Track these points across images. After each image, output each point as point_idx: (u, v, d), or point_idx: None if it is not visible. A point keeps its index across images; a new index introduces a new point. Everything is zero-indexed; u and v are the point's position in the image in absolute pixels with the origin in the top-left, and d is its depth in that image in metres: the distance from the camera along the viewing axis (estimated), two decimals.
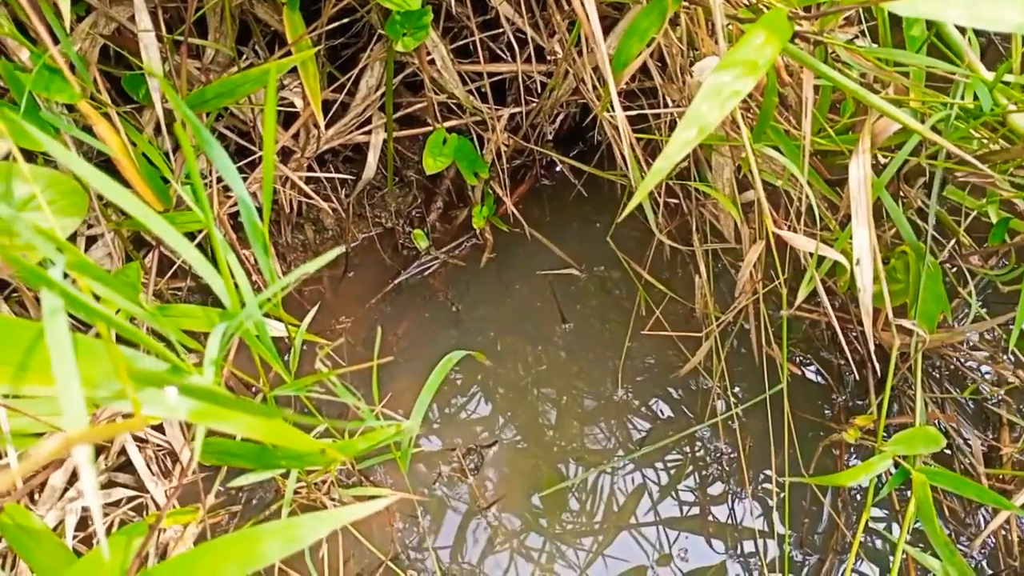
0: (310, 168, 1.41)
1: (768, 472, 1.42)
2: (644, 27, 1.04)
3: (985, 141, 1.08)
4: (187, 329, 1.06)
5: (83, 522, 1.21)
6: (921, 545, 1.35)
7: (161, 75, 1.08)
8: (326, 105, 1.35)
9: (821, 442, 1.40)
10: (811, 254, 1.03)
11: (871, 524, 1.40)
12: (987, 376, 1.45)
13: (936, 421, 1.38)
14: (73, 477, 1.18)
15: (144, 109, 1.22)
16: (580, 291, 1.60)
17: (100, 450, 1.24)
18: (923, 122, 1.06)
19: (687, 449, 1.47)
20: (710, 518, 1.42)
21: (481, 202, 1.53)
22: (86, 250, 1.23)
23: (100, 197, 1.16)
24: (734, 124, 1.14)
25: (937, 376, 1.45)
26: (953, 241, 1.24)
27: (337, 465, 1.14)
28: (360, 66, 1.31)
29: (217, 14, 1.18)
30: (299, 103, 1.28)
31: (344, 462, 1.25)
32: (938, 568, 1.01)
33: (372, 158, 1.41)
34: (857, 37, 1.27)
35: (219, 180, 1.24)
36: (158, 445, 1.26)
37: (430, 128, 1.42)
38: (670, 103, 1.30)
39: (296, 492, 1.19)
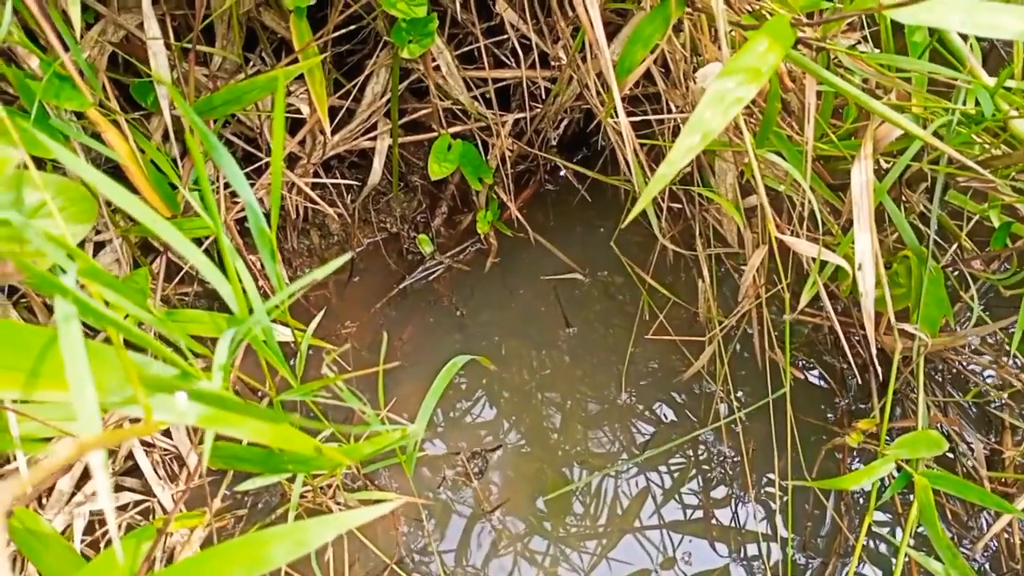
0: (316, 174, 1.42)
1: (771, 476, 1.43)
2: (648, 34, 1.05)
3: (987, 146, 1.08)
4: (194, 334, 1.07)
5: (90, 526, 1.22)
6: (924, 549, 1.35)
7: (170, 83, 1.09)
8: (332, 111, 1.36)
9: (824, 446, 1.40)
10: (813, 259, 1.04)
11: (874, 528, 1.40)
12: (989, 380, 1.45)
13: (939, 424, 1.39)
14: (80, 482, 1.19)
15: (152, 116, 1.23)
16: (584, 296, 1.61)
17: (108, 454, 1.24)
18: (925, 127, 1.07)
19: (690, 453, 1.47)
20: (714, 521, 1.42)
21: (485, 207, 1.54)
22: (94, 255, 1.24)
23: (108, 203, 1.17)
24: (737, 129, 1.15)
25: (940, 380, 1.46)
26: (955, 245, 1.25)
27: (343, 469, 1.14)
28: (366, 73, 1.32)
29: (224, 22, 1.19)
30: (305, 110, 1.29)
31: (349, 466, 1.26)
32: (940, 571, 1.02)
33: (377, 164, 1.42)
34: (860, 42, 1.28)
35: (226, 186, 1.25)
36: (165, 449, 1.27)
37: (435, 134, 1.42)
38: (673, 108, 1.31)
39: (302, 496, 1.20)
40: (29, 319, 1.20)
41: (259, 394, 1.39)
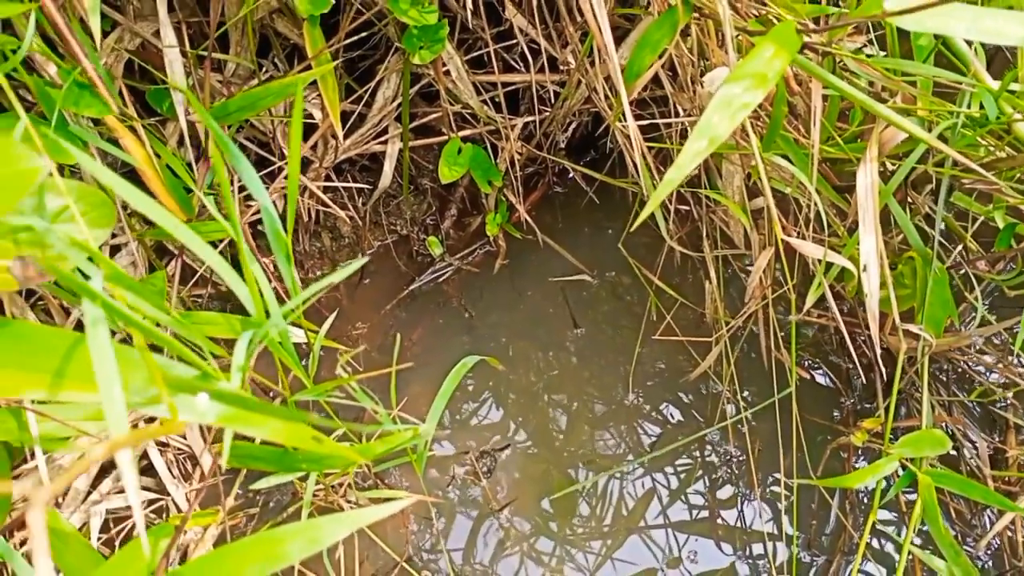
0: (328, 178, 1.43)
1: (777, 475, 1.44)
2: (656, 39, 1.06)
3: (992, 149, 1.10)
4: (209, 335, 1.09)
5: (105, 524, 1.24)
6: (930, 548, 1.36)
7: (187, 90, 1.11)
8: (343, 116, 1.38)
9: (829, 445, 1.42)
10: (819, 260, 1.06)
11: (879, 526, 1.42)
12: (994, 379, 1.46)
13: (943, 424, 1.40)
14: (96, 480, 1.21)
15: (167, 121, 1.25)
16: (592, 297, 1.63)
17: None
18: (930, 130, 1.08)
19: (697, 453, 1.49)
20: (719, 520, 1.43)
21: (495, 210, 1.55)
22: (111, 258, 1.26)
23: (125, 207, 1.19)
24: (744, 133, 1.17)
25: (944, 379, 1.47)
26: (960, 246, 1.26)
27: (354, 468, 1.16)
28: (377, 79, 1.34)
29: (238, 29, 1.21)
30: (318, 114, 1.31)
31: (361, 465, 1.27)
32: (943, 569, 1.03)
33: (388, 167, 1.44)
34: (866, 45, 1.29)
35: (241, 190, 1.27)
36: (178, 449, 1.29)
37: (445, 137, 1.44)
38: (681, 112, 1.32)
39: (313, 494, 1.22)
40: (46, 321, 1.22)
41: (271, 394, 1.41)
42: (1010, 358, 1.43)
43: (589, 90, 1.38)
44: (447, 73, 1.35)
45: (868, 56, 1.15)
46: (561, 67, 1.41)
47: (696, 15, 1.08)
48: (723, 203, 1.25)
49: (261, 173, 1.36)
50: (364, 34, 1.27)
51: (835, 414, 1.50)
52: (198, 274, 1.36)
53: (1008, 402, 1.44)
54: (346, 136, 1.39)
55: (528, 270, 1.64)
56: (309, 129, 1.37)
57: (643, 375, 1.55)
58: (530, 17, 1.32)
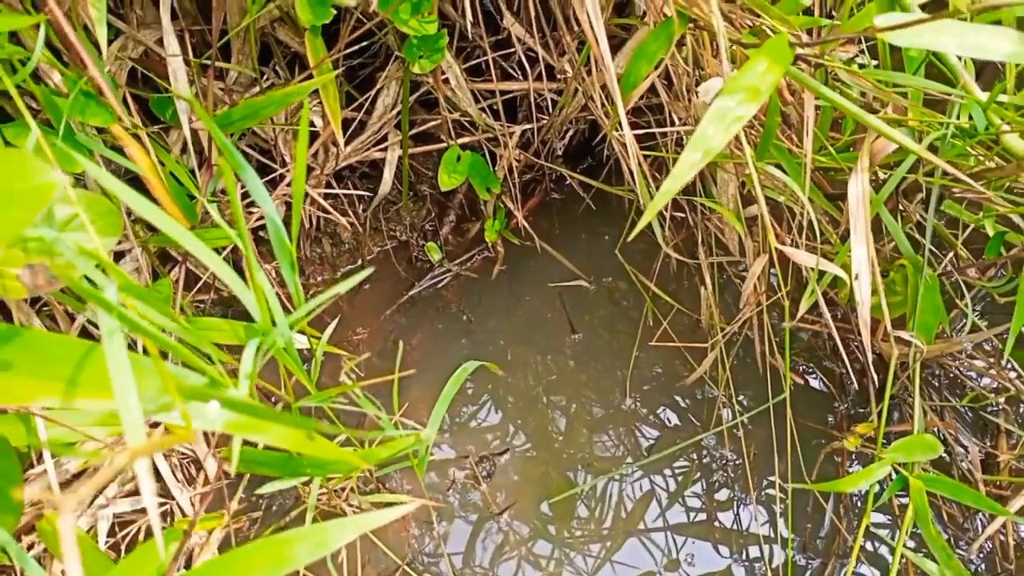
0: (328, 184, 1.45)
1: (773, 478, 1.46)
2: (652, 50, 1.08)
3: (981, 158, 1.12)
4: (214, 341, 1.10)
5: (111, 528, 1.25)
6: (923, 550, 1.38)
7: (192, 99, 1.12)
8: (344, 123, 1.40)
9: (824, 449, 1.44)
10: (812, 269, 1.08)
11: (873, 529, 1.44)
12: (985, 384, 1.48)
13: (935, 428, 1.42)
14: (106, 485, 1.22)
15: (170, 129, 1.26)
16: (589, 302, 1.65)
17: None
18: (920, 140, 1.10)
19: (693, 456, 1.51)
20: (716, 523, 1.45)
21: (493, 216, 1.57)
22: (115, 264, 1.27)
23: (129, 213, 1.20)
24: (738, 142, 1.19)
25: (937, 384, 1.49)
26: (951, 254, 1.28)
27: (357, 473, 1.18)
28: (377, 87, 1.35)
29: (240, 37, 1.23)
30: (319, 122, 1.32)
31: (364, 470, 1.29)
32: (935, 572, 1.05)
33: (388, 174, 1.46)
34: (858, 55, 1.31)
35: (244, 196, 1.29)
36: (182, 453, 1.30)
37: (444, 145, 1.46)
38: (676, 120, 1.34)
39: (316, 498, 1.23)
40: (52, 326, 1.24)
41: (272, 398, 1.42)
42: (1001, 363, 1.45)
43: (586, 98, 1.40)
44: (446, 81, 1.36)
45: (860, 66, 1.17)
46: (558, 76, 1.42)
47: (691, 26, 1.10)
48: (718, 211, 1.27)
49: (264, 180, 1.38)
50: (364, 43, 1.28)
51: (829, 418, 1.52)
52: (202, 280, 1.38)
53: (1000, 407, 1.46)
54: (346, 143, 1.41)
55: (526, 276, 1.66)
56: (310, 136, 1.39)
57: (640, 379, 1.57)
58: (528, 26, 1.34)
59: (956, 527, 1.41)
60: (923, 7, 0.99)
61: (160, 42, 1.17)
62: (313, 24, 1.07)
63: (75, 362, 0.61)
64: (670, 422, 1.54)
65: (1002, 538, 1.35)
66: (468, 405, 1.54)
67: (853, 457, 1.47)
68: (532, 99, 1.46)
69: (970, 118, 1.05)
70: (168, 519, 1.30)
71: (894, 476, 1.11)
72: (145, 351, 0.61)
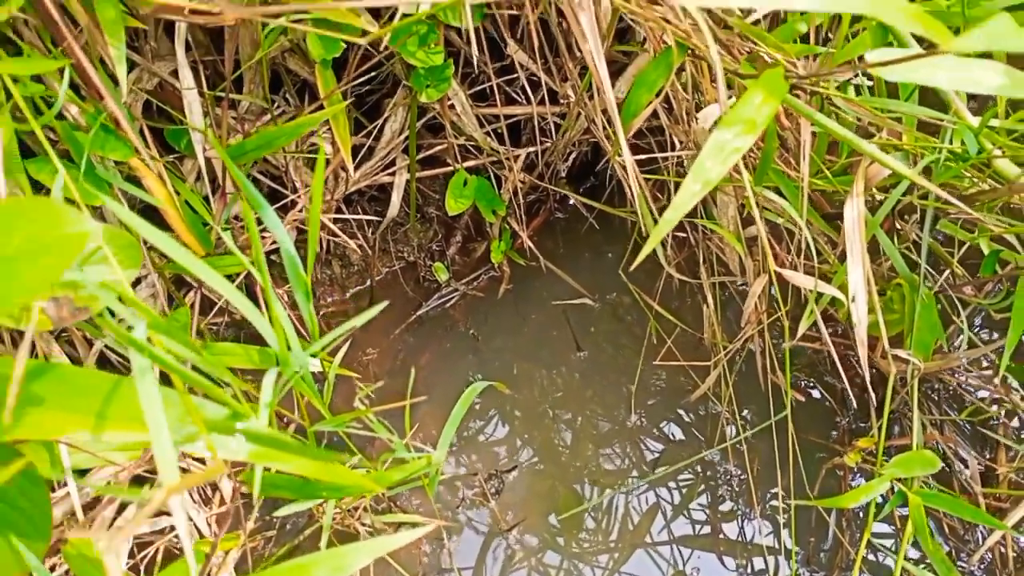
0: (338, 209, 1.48)
1: (776, 491, 1.48)
2: (653, 79, 1.11)
3: (975, 180, 1.15)
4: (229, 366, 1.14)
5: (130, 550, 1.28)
6: (927, 563, 1.40)
7: (207, 131, 1.16)
8: (353, 149, 1.43)
9: (825, 464, 1.46)
10: (811, 290, 1.11)
11: (876, 540, 1.46)
12: (984, 398, 1.51)
13: (935, 442, 1.44)
14: (121, 507, 1.25)
15: (184, 158, 1.30)
16: (594, 320, 1.68)
17: (144, 480, 1.31)
18: (915, 164, 1.13)
19: (698, 470, 1.53)
20: (721, 536, 1.48)
21: (499, 238, 1.60)
22: (132, 289, 1.30)
23: (146, 241, 1.24)
24: (736, 167, 1.22)
25: (936, 398, 1.52)
26: (947, 272, 1.31)
27: (371, 494, 1.21)
28: (384, 116, 1.39)
29: (252, 68, 1.26)
30: (328, 149, 1.36)
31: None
32: None
33: (396, 197, 1.49)
34: (855, 76, 1.34)
35: (257, 222, 1.32)
36: (202, 486, 1.33)
37: (450, 168, 1.49)
38: (676, 143, 1.37)
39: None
40: (70, 352, 1.27)
41: (284, 420, 1.45)
42: (997, 378, 1.47)
43: (588, 122, 1.43)
44: (452, 107, 1.40)
45: (857, 89, 1.20)
46: (561, 100, 1.46)
47: (690, 54, 1.13)
48: (718, 232, 1.30)
49: (275, 206, 1.42)
50: (373, 74, 1.32)
51: (833, 432, 1.55)
52: (217, 306, 1.41)
53: (1000, 420, 1.49)
54: (356, 168, 1.44)
55: (532, 294, 1.69)
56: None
57: (645, 395, 1.60)
58: (531, 52, 1.38)
59: (957, 539, 1.43)
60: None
61: (174, 73, 1.21)
62: (324, 58, 1.10)
63: (103, 396, 0.63)
64: (675, 437, 1.56)
65: (1002, 549, 1.37)
66: (476, 420, 1.57)
67: (856, 470, 1.50)
68: (536, 123, 1.50)
69: (963, 143, 1.08)
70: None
71: (895, 490, 1.14)
72: (167, 380, 0.63)
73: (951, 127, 1.09)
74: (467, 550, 1.44)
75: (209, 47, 1.28)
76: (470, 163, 1.51)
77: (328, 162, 1.34)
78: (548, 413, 1.58)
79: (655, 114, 1.40)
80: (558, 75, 1.42)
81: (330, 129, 1.31)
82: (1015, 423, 1.50)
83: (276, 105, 1.37)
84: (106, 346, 1.30)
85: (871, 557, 1.45)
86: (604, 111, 1.36)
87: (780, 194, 1.16)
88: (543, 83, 1.43)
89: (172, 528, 1.28)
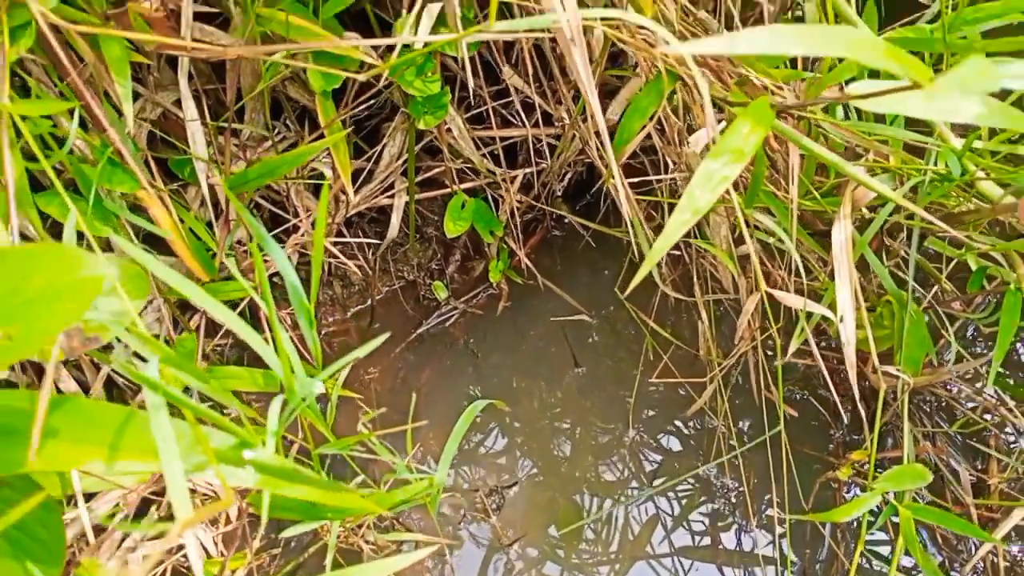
0: (339, 233, 1.51)
1: (772, 505, 1.51)
2: (644, 106, 1.15)
3: (961, 200, 1.18)
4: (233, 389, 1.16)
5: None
6: (922, 572, 1.43)
7: (211, 161, 1.19)
8: (353, 173, 1.46)
9: (819, 478, 1.49)
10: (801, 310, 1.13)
11: (873, 548, 1.49)
12: (975, 408, 1.53)
13: (927, 454, 1.47)
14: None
15: (188, 186, 1.33)
16: (591, 335, 1.70)
17: (150, 503, 1.34)
18: (902, 184, 1.16)
19: (696, 484, 1.56)
20: (720, 548, 1.50)
21: (497, 257, 1.63)
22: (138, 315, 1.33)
23: None
24: (728, 191, 1.24)
25: (928, 409, 1.54)
26: (936, 288, 1.34)
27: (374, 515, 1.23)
28: (383, 143, 1.42)
29: (254, 97, 1.29)
30: (328, 173, 1.39)
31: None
32: None
33: (395, 219, 1.52)
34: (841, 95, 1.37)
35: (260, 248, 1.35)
36: (204, 494, 1.36)
37: (448, 190, 1.52)
38: (670, 163, 1.40)
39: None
40: (78, 377, 1.30)
41: (287, 440, 1.48)
42: (985, 391, 1.50)
43: (583, 143, 1.46)
44: (449, 131, 1.43)
45: (845, 109, 1.24)
46: (556, 122, 1.49)
47: (680, 81, 1.16)
48: (712, 251, 1.33)
49: (277, 230, 1.45)
50: (372, 102, 1.35)
51: (828, 446, 1.57)
52: (223, 329, 1.44)
53: (991, 432, 1.51)
54: (355, 192, 1.47)
55: (530, 311, 1.72)
56: (319, 188, 1.45)
57: (643, 409, 1.62)
58: (525, 77, 1.41)
59: (950, 549, 1.46)
60: None
61: (177, 103, 1.24)
62: (324, 89, 1.13)
63: (116, 428, 0.66)
64: (673, 450, 1.59)
65: (994, 559, 1.39)
66: (476, 436, 1.60)
67: (850, 482, 1.52)
68: (531, 144, 1.53)
69: (947, 164, 1.11)
70: None
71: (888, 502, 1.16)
72: (175, 410, 0.66)
73: (936, 149, 1.12)
74: (469, 565, 1.46)
75: (211, 76, 1.31)
76: (467, 185, 1.54)
77: (329, 187, 1.37)
78: (547, 427, 1.61)
79: (648, 135, 1.43)
80: (552, 98, 1.45)
81: (331, 155, 1.35)
82: (1010, 435, 1.53)
83: (277, 131, 1.40)
84: (113, 370, 1.33)
85: (867, 566, 1.47)
86: (597, 132, 1.39)
87: (771, 214, 1.19)
88: (537, 106, 1.46)
89: (180, 548, 1.31)
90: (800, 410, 1.59)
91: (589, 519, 1.51)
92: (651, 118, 1.20)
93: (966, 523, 1.09)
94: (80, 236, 1.03)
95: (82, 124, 1.11)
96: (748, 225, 1.18)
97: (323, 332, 1.64)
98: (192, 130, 1.19)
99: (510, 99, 1.46)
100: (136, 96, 1.25)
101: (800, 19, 1.34)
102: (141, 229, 1.18)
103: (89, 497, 1.28)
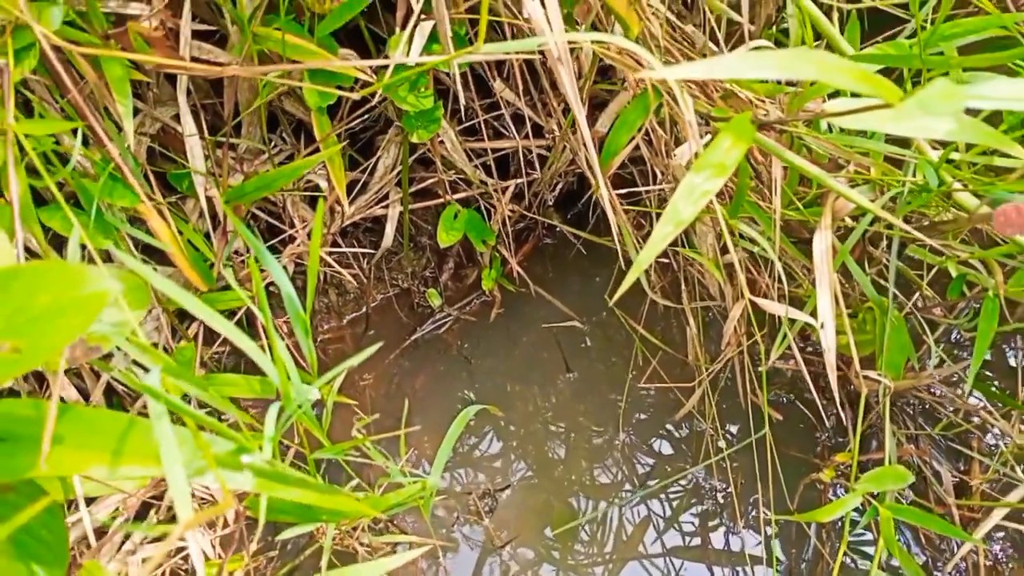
0: (334, 243, 1.54)
1: (759, 506, 1.54)
2: (632, 119, 1.18)
3: (940, 209, 1.21)
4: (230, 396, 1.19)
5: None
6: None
7: (209, 174, 1.22)
8: (348, 185, 1.49)
9: (803, 479, 1.52)
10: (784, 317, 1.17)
11: (859, 547, 1.52)
12: (958, 413, 1.57)
13: (910, 455, 1.50)
14: (128, 532, 1.31)
15: (186, 198, 1.36)
16: (582, 341, 1.74)
17: (149, 506, 1.36)
18: (882, 194, 1.19)
19: (686, 485, 1.59)
20: (710, 547, 1.53)
21: (489, 266, 1.67)
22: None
23: None
24: (712, 204, 1.28)
25: (911, 412, 1.57)
26: (917, 294, 1.37)
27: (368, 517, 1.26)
28: (377, 155, 1.45)
29: (251, 113, 1.32)
30: (324, 184, 1.42)
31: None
32: None
33: (390, 229, 1.55)
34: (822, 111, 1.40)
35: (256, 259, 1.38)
36: (202, 498, 1.39)
37: (441, 200, 1.55)
38: (658, 173, 1.44)
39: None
40: (78, 384, 1.33)
41: (284, 444, 1.51)
42: (965, 395, 1.54)
43: (573, 154, 1.49)
44: (442, 143, 1.46)
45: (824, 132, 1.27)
46: (547, 134, 1.52)
47: (666, 96, 1.19)
48: (698, 260, 1.36)
49: (274, 241, 1.48)
50: (366, 116, 1.38)
51: (815, 448, 1.61)
52: (220, 338, 1.47)
53: (974, 435, 1.55)
54: (350, 203, 1.50)
55: (522, 318, 1.75)
56: (315, 198, 1.49)
57: (634, 413, 1.66)
58: (516, 91, 1.44)
59: (933, 548, 1.49)
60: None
61: (176, 117, 1.27)
62: (319, 106, 1.16)
63: (118, 434, 0.69)
64: (663, 453, 1.62)
65: (975, 558, 1.43)
66: (470, 439, 1.63)
67: (835, 483, 1.56)
68: (522, 155, 1.56)
69: (925, 176, 1.14)
70: (190, 560, 1.38)
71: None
72: (175, 416, 0.69)
73: (914, 162, 1.15)
74: (463, 566, 1.49)
75: (209, 91, 1.34)
76: (460, 195, 1.57)
77: (324, 199, 1.40)
78: (540, 431, 1.64)
79: (636, 146, 1.46)
80: (543, 111, 1.49)
81: (326, 168, 1.38)
82: (993, 438, 1.56)
83: (273, 145, 1.43)
84: (112, 378, 1.36)
85: (853, 566, 1.50)
86: (585, 144, 1.42)
87: (755, 222, 1.22)
88: (528, 118, 1.49)
89: (178, 551, 1.34)
90: (786, 414, 1.62)
91: (582, 520, 1.54)
92: (639, 130, 1.24)
93: (946, 523, 1.12)
94: (81, 248, 1.06)
95: (84, 140, 1.14)
96: (733, 235, 1.21)
97: (319, 339, 1.67)
98: (191, 144, 1.23)
99: (501, 112, 1.49)
100: (135, 111, 1.28)
101: (785, 31, 1.37)
102: (139, 240, 1.21)
103: (89, 502, 1.31)
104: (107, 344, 0.89)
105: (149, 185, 1.25)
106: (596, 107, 1.47)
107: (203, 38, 1.18)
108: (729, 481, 1.56)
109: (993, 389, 1.61)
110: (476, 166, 1.54)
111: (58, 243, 1.27)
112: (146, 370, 0.70)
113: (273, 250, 1.49)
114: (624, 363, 1.69)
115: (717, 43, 1.34)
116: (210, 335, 1.48)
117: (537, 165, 1.59)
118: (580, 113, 1.05)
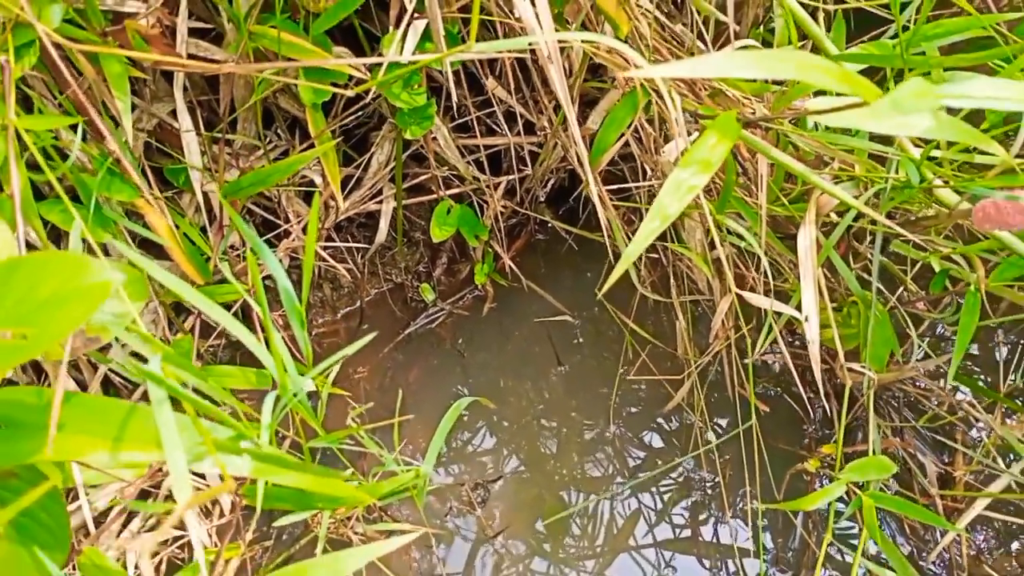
0: (328, 238, 1.57)
1: (747, 497, 1.57)
2: (621, 117, 1.20)
3: (923, 206, 1.23)
4: (226, 387, 1.22)
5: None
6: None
7: (205, 169, 1.24)
8: (342, 180, 1.51)
9: (790, 470, 1.55)
10: (769, 310, 1.19)
11: (845, 537, 1.55)
12: (942, 405, 1.60)
13: (895, 447, 1.53)
14: (127, 518, 1.33)
15: (183, 192, 1.38)
16: (574, 335, 1.76)
17: (147, 494, 1.38)
18: (866, 190, 1.22)
19: (675, 477, 1.62)
20: (699, 539, 1.56)
21: (482, 260, 1.69)
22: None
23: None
24: (698, 199, 1.30)
25: (896, 404, 1.60)
26: (901, 288, 1.40)
27: (363, 505, 1.28)
28: (371, 151, 1.47)
29: (247, 109, 1.34)
30: (318, 180, 1.44)
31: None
32: None
33: (383, 224, 1.57)
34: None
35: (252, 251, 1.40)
36: (198, 487, 1.41)
37: (434, 196, 1.58)
38: (648, 170, 1.46)
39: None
40: (76, 376, 1.35)
41: (280, 435, 1.53)
42: (947, 387, 1.56)
43: (564, 151, 1.51)
44: (435, 139, 1.48)
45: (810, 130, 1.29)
46: (538, 131, 1.54)
47: (655, 94, 1.21)
48: (687, 255, 1.38)
49: (268, 235, 1.50)
50: (360, 112, 1.40)
51: (803, 440, 1.63)
52: (216, 330, 1.49)
53: (959, 427, 1.57)
54: (345, 198, 1.52)
55: (515, 312, 1.78)
56: (310, 193, 1.51)
57: (624, 405, 1.68)
58: (508, 88, 1.46)
59: (918, 538, 1.52)
60: None
61: (172, 113, 1.28)
62: (314, 102, 1.18)
63: (119, 421, 0.71)
64: (653, 445, 1.65)
65: (958, 547, 1.46)
66: (463, 432, 1.65)
67: (822, 474, 1.58)
68: (514, 152, 1.58)
69: (907, 172, 1.17)
70: (186, 550, 1.40)
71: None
72: (173, 401, 0.71)
73: (896, 158, 1.18)
74: (456, 556, 1.52)
75: (205, 88, 1.36)
76: (453, 191, 1.59)
77: (319, 194, 1.42)
78: (532, 424, 1.66)
79: (627, 143, 1.48)
80: (534, 108, 1.51)
81: (321, 164, 1.40)
82: (977, 430, 1.59)
83: (269, 141, 1.45)
84: (110, 369, 1.38)
85: (838, 556, 1.53)
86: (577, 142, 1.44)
87: (742, 218, 1.24)
88: (519, 115, 1.51)
89: (174, 540, 1.36)
90: (774, 406, 1.64)
91: (573, 511, 1.57)
92: (629, 127, 1.26)
93: (928, 512, 1.15)
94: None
95: (83, 135, 1.16)
96: (720, 230, 1.24)
97: (313, 333, 1.70)
98: (187, 140, 1.25)
99: (494, 109, 1.51)
100: (133, 107, 1.30)
101: (773, 31, 1.39)
102: (137, 234, 1.23)
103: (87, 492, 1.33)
104: (106, 335, 0.91)
105: (146, 180, 1.27)
106: (587, 104, 1.50)
107: (200, 36, 1.20)
108: (718, 472, 1.59)
109: (980, 384, 1.64)
110: (469, 162, 1.56)
111: (55, 236, 1.29)
112: (145, 362, 0.72)
113: (268, 245, 1.50)
114: (615, 357, 1.71)
115: (705, 43, 1.36)
116: (206, 329, 1.50)
117: (529, 161, 1.62)
118: (570, 111, 1.07)
